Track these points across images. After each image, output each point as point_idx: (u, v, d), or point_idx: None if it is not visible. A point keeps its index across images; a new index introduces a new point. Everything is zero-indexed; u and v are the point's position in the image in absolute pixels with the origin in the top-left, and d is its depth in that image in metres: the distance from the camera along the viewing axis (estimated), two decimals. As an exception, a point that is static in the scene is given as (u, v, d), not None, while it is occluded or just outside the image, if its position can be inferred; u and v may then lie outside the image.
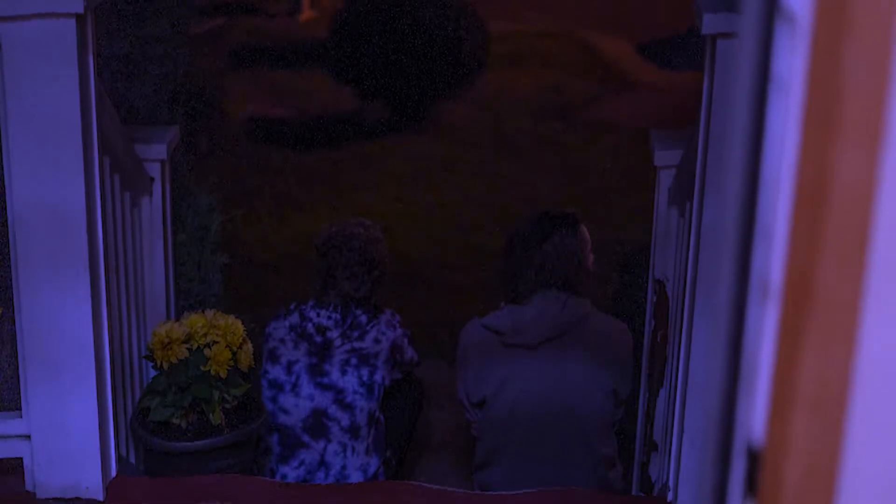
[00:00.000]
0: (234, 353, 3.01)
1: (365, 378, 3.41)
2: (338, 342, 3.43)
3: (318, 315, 3.45)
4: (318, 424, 3.42)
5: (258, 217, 6.48)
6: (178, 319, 3.13)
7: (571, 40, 9.80)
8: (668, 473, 2.99)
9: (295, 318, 3.47)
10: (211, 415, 2.99)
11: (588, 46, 9.69)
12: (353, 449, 3.42)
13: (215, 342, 2.99)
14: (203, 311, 3.08)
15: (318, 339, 3.44)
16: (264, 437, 3.40)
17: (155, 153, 3.44)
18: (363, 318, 3.46)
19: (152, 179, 3.44)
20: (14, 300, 2.69)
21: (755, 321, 0.93)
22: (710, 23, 2.55)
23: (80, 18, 2.53)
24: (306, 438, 3.42)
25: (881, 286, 0.88)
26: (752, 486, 0.95)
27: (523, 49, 9.53)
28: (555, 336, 3.24)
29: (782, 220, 0.89)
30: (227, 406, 3.02)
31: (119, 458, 2.94)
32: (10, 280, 2.69)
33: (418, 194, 7.15)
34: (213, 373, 2.97)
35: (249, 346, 3.09)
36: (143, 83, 3.94)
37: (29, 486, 2.79)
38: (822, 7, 0.84)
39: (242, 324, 3.09)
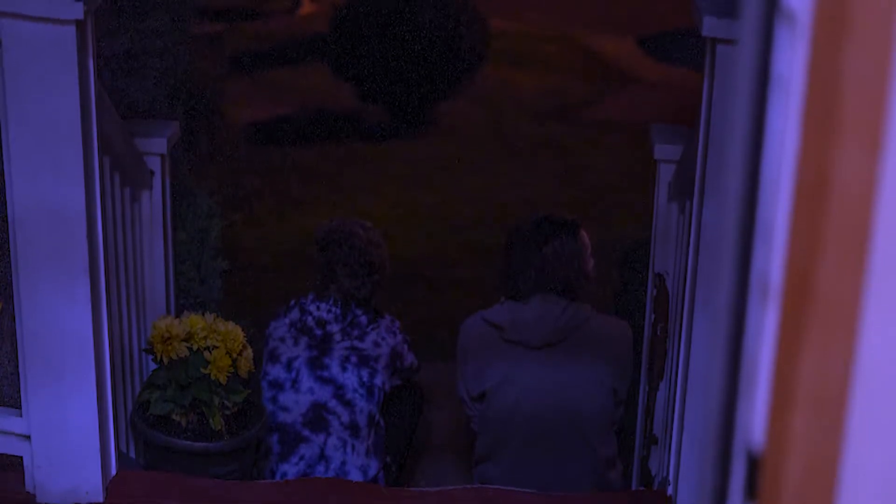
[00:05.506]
0: (233, 360, 3.01)
1: (365, 379, 3.41)
2: (338, 337, 3.43)
3: (318, 308, 3.45)
4: (318, 418, 3.42)
5: (258, 219, 6.47)
6: (177, 317, 3.12)
7: (572, 40, 9.79)
8: (667, 467, 2.99)
9: (295, 314, 3.47)
10: (211, 420, 2.98)
11: (589, 46, 9.68)
12: (353, 447, 3.41)
13: (215, 347, 2.99)
14: (203, 314, 3.07)
15: (319, 332, 3.44)
16: (264, 438, 3.40)
17: (155, 147, 3.44)
18: (363, 319, 3.45)
19: (152, 173, 3.44)
20: (14, 301, 2.69)
21: (755, 321, 0.93)
22: (710, 25, 2.56)
23: (79, 24, 2.54)
24: (306, 433, 3.42)
25: (881, 286, 0.88)
26: (752, 488, 0.95)
27: (524, 49, 9.53)
28: (556, 341, 3.23)
29: (782, 220, 0.89)
30: (227, 412, 3.02)
31: (119, 455, 2.94)
32: (10, 276, 2.69)
33: (418, 194, 7.15)
34: (213, 377, 2.97)
35: (249, 353, 3.09)
36: (143, 77, 3.94)
37: (29, 487, 2.79)
38: (822, 7, 0.84)
39: (242, 329, 3.09)
